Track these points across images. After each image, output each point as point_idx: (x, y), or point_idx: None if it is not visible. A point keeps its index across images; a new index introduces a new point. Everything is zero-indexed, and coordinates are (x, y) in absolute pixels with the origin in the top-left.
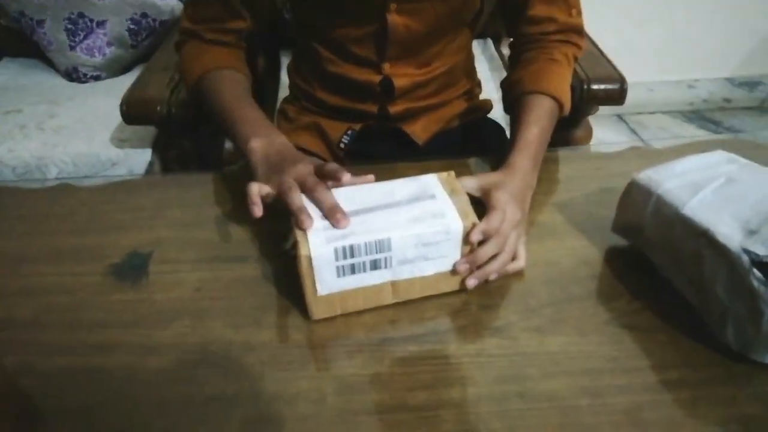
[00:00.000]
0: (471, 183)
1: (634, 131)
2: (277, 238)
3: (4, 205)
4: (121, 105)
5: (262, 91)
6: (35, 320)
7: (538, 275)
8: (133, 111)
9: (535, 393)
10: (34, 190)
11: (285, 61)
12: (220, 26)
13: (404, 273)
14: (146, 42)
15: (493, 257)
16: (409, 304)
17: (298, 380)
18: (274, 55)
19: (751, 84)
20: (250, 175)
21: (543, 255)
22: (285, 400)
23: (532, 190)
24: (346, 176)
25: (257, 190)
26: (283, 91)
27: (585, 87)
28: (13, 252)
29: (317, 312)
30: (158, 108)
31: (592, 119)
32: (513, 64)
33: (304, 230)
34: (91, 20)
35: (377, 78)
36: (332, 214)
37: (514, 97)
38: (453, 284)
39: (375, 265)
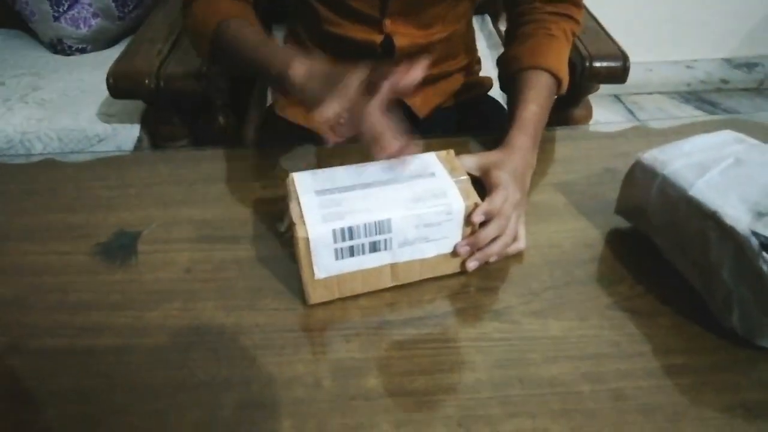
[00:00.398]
0: (470, 162)
1: (631, 111)
2: (271, 217)
3: None
4: (108, 78)
5: None
6: (20, 300)
7: (539, 258)
8: (120, 84)
9: (535, 378)
10: (18, 166)
11: (278, 35)
12: None
13: (404, 255)
14: (133, 14)
15: (494, 239)
16: (407, 287)
17: (293, 364)
18: (268, 30)
19: (749, 65)
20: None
21: (544, 237)
22: (279, 384)
23: (533, 169)
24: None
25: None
26: None
27: (587, 64)
28: None
29: (314, 296)
30: (146, 81)
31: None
32: (510, 40)
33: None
34: None
35: (378, 37)
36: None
37: (511, 74)
38: (453, 266)
39: (374, 248)
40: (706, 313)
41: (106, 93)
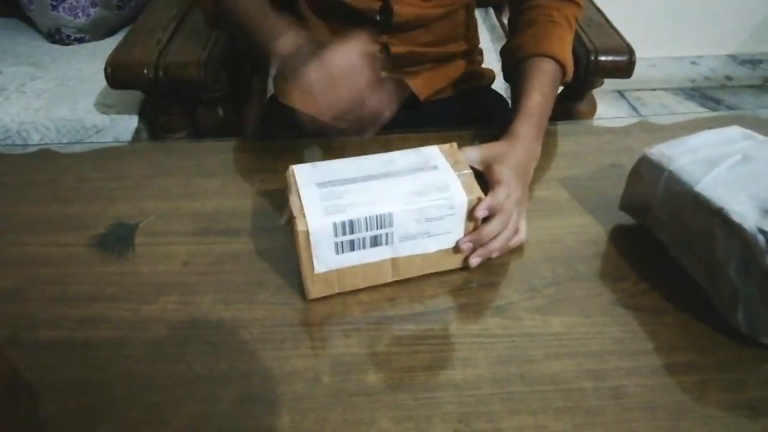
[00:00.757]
0: (473, 154)
1: (634, 108)
2: (271, 210)
3: None
4: (106, 68)
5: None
6: (18, 292)
7: (542, 253)
8: (118, 74)
9: (537, 375)
10: (15, 156)
11: None
12: None
13: (405, 250)
14: (132, 3)
15: (496, 234)
16: (408, 282)
17: (292, 359)
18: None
19: (753, 62)
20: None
21: (547, 233)
22: (278, 379)
23: (537, 161)
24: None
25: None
26: None
27: (592, 58)
28: None
29: (314, 291)
30: (145, 71)
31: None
32: (512, 30)
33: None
34: None
35: (377, 4)
36: None
37: (514, 63)
38: (455, 262)
39: (375, 242)
40: (711, 311)
41: (104, 83)
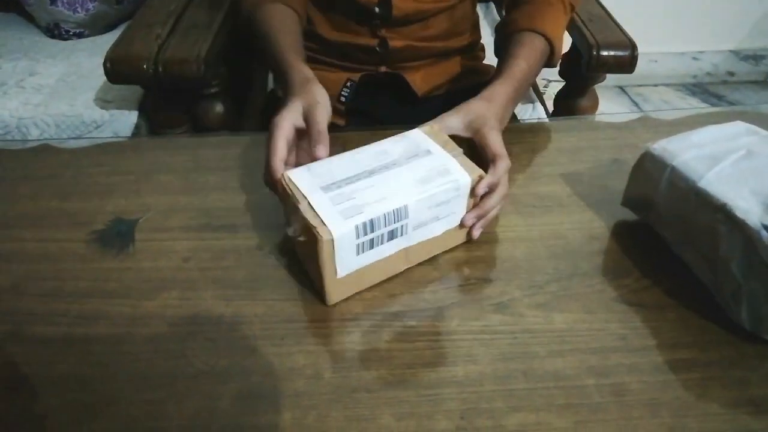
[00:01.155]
0: (455, 122)
1: (635, 104)
2: (270, 206)
3: None
4: (105, 63)
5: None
6: (16, 288)
7: (544, 250)
8: (117, 69)
9: (540, 372)
10: (14, 151)
11: None
12: None
13: (417, 237)
14: None
15: None
16: (409, 278)
17: (294, 355)
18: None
19: (756, 57)
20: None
21: (549, 229)
22: (279, 375)
23: (506, 122)
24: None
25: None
26: None
27: (594, 53)
28: None
29: (335, 295)
30: (144, 66)
31: None
32: (509, 7)
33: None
34: None
35: None
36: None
37: (506, 35)
38: (459, 238)
39: (392, 236)
40: (714, 308)
41: (103, 78)
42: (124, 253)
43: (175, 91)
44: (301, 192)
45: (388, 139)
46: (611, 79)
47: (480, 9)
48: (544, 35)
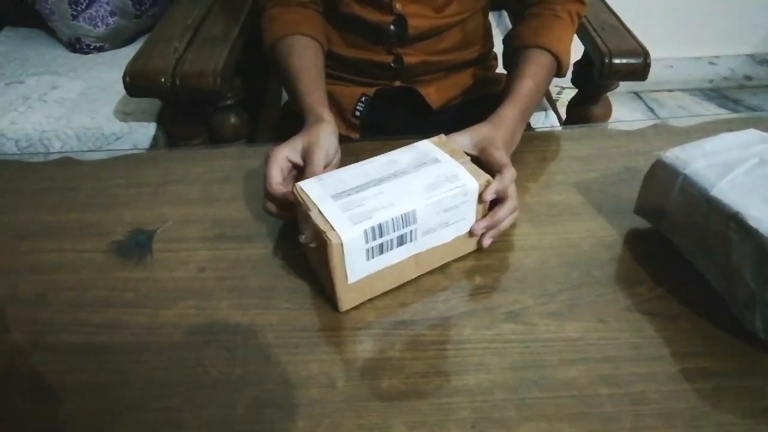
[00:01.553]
0: (464, 140)
1: (651, 109)
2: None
3: (5, 179)
4: (124, 77)
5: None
6: (39, 298)
7: (556, 258)
8: (136, 83)
9: (552, 381)
10: (36, 164)
11: None
12: None
13: (427, 243)
14: (150, 12)
15: None
16: (420, 286)
17: (308, 364)
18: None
19: None
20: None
21: (561, 237)
22: (293, 384)
23: (515, 146)
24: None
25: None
26: None
27: (606, 61)
28: (15, 227)
29: (346, 302)
30: (162, 80)
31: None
32: (516, 20)
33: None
34: None
35: (389, 18)
36: None
37: (513, 51)
38: (470, 246)
39: (401, 241)
40: (727, 316)
41: (122, 91)
42: (142, 264)
43: (192, 103)
44: (312, 200)
45: (397, 150)
46: (626, 84)
47: (492, 17)
48: (550, 51)
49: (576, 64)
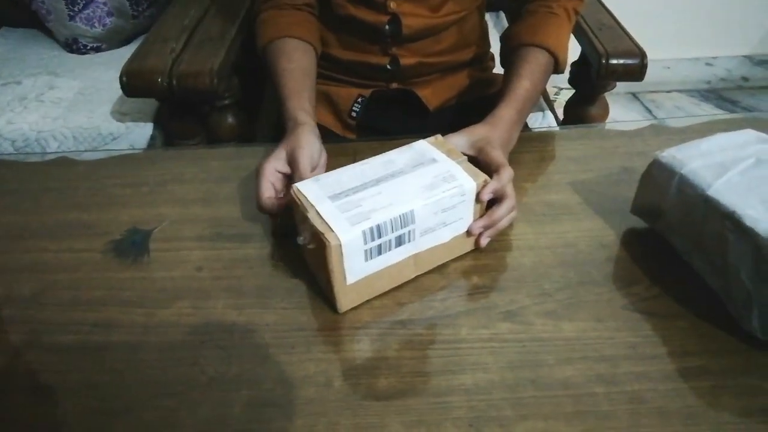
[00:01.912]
0: (461, 141)
1: (648, 110)
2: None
3: (2, 180)
4: (121, 77)
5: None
6: (36, 298)
7: (553, 258)
8: (133, 83)
9: (549, 380)
10: (33, 164)
11: None
12: None
13: (425, 243)
14: (147, 12)
15: None
16: (418, 286)
17: (304, 363)
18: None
19: None
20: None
21: (558, 237)
22: (290, 383)
23: (512, 146)
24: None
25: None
26: None
27: (603, 61)
28: (11, 227)
29: (345, 303)
30: (159, 80)
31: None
32: (513, 18)
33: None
34: None
35: (384, 18)
36: None
37: (510, 49)
38: (468, 246)
39: (399, 241)
40: (724, 315)
41: (119, 91)
42: (138, 263)
43: (188, 103)
44: (309, 201)
45: (394, 150)
46: (624, 85)
47: (490, 19)
48: (547, 49)
49: (573, 64)
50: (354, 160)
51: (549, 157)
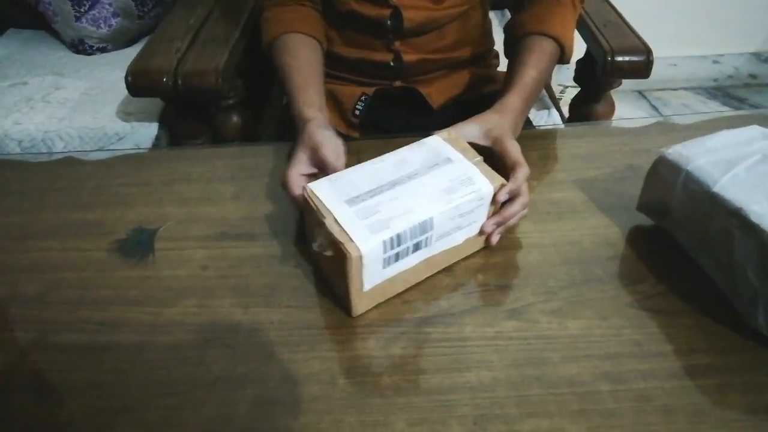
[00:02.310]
0: (473, 130)
1: (655, 108)
2: (286, 215)
3: (9, 180)
4: (126, 76)
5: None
6: (41, 297)
7: (559, 255)
8: (138, 83)
9: (554, 378)
10: (39, 164)
11: None
12: None
13: (439, 247)
14: (153, 12)
15: None
16: (424, 285)
17: (309, 361)
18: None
19: None
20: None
21: (564, 235)
22: (295, 381)
23: (517, 135)
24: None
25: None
26: None
27: (609, 59)
28: (18, 227)
29: (360, 308)
30: (164, 79)
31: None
32: (517, 7)
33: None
34: None
35: (386, 11)
36: None
37: (515, 38)
38: (478, 245)
39: (417, 247)
40: (730, 313)
41: (125, 91)
42: (144, 262)
43: (193, 103)
44: (325, 206)
45: (406, 147)
46: (630, 83)
47: (495, 16)
48: (553, 38)
49: (578, 62)
50: (358, 159)
51: (554, 155)
